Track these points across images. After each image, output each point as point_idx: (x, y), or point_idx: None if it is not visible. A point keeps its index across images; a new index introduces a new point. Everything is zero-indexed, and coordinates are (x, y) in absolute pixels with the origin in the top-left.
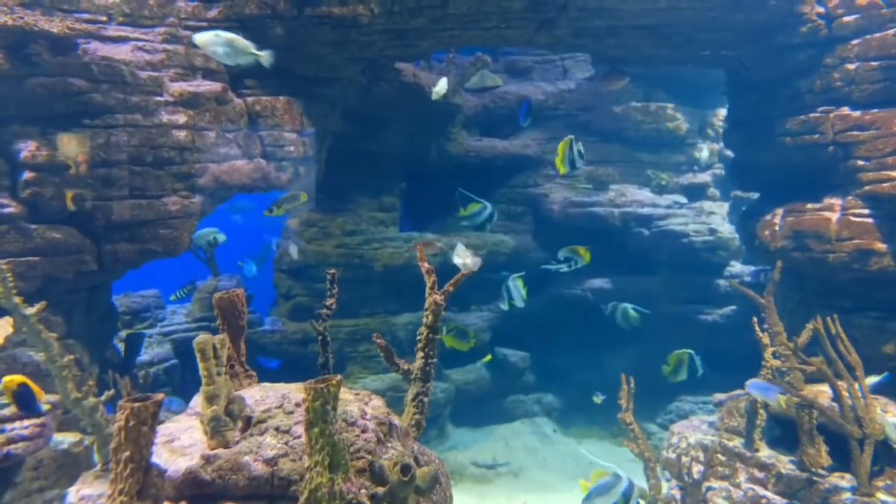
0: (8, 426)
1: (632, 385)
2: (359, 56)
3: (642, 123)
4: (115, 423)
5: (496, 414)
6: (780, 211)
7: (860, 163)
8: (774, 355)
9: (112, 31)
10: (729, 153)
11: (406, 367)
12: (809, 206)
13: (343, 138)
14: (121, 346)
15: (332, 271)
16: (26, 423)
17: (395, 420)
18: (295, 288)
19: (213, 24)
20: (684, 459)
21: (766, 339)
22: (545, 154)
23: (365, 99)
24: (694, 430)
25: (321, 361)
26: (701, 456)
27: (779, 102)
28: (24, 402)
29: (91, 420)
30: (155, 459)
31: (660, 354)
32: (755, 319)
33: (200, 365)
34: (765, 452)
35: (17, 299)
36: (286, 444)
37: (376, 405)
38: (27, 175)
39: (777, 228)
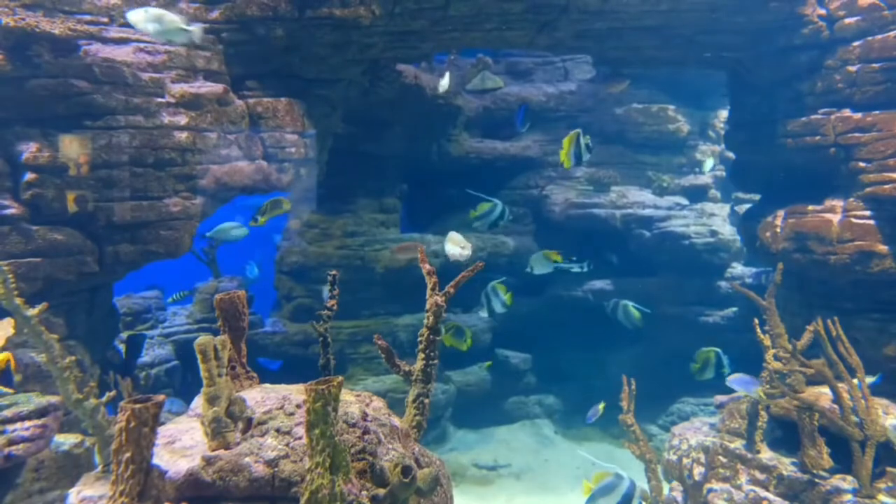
0: (9, 427)
1: (633, 387)
2: (360, 58)
3: (643, 125)
4: (116, 425)
5: (497, 415)
6: (781, 213)
7: (861, 164)
8: (776, 357)
9: (114, 32)
10: (730, 155)
11: (407, 369)
12: (811, 207)
13: (344, 140)
14: (122, 348)
15: (334, 272)
16: (27, 424)
17: (396, 421)
18: (296, 289)
19: (214, 25)
20: (685, 461)
21: (767, 341)
22: (546, 156)
23: (366, 100)
24: (695, 431)
25: (322, 363)
26: (702, 457)
27: (780, 104)
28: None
29: (92, 421)
30: (156, 461)
31: (661, 356)
32: (756, 321)
33: (201, 366)
34: (766, 454)
35: (18, 300)
36: (287, 445)
37: (377, 406)
38: (29, 176)
39: (778, 230)
